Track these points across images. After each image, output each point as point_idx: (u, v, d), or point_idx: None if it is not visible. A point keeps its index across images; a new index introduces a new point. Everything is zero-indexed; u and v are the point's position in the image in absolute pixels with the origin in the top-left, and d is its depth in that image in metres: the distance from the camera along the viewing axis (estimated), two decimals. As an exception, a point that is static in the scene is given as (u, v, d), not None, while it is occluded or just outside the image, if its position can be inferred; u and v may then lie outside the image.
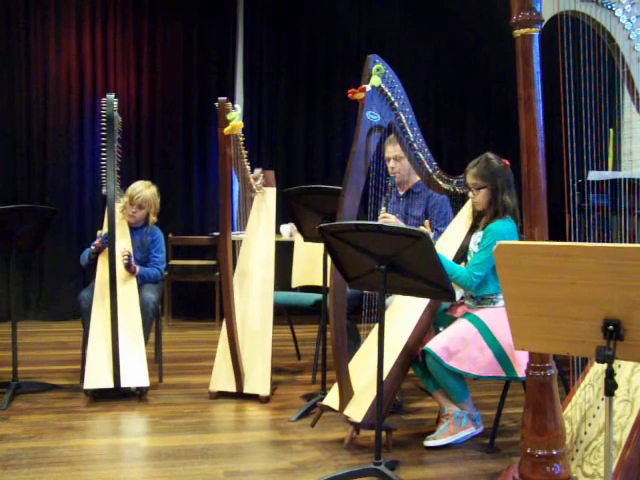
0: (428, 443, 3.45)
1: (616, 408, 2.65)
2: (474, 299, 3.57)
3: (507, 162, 3.60)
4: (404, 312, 3.70)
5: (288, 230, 6.72)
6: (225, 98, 4.01)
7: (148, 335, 4.48)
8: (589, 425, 2.70)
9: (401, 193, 4.30)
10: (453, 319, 3.62)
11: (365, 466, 3.04)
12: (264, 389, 4.19)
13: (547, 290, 1.99)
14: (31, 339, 5.94)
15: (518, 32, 2.45)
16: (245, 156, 4.31)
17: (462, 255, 3.71)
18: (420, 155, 3.73)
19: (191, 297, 7.19)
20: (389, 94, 3.54)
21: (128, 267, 4.44)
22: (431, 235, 3.60)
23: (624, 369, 2.81)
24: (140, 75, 7.09)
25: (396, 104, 3.58)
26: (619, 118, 6.15)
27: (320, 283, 4.25)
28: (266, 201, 4.62)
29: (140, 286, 4.51)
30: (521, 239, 3.33)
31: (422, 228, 3.66)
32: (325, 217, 3.87)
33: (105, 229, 4.40)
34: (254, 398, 4.19)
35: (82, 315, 4.46)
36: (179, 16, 7.14)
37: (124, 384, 4.16)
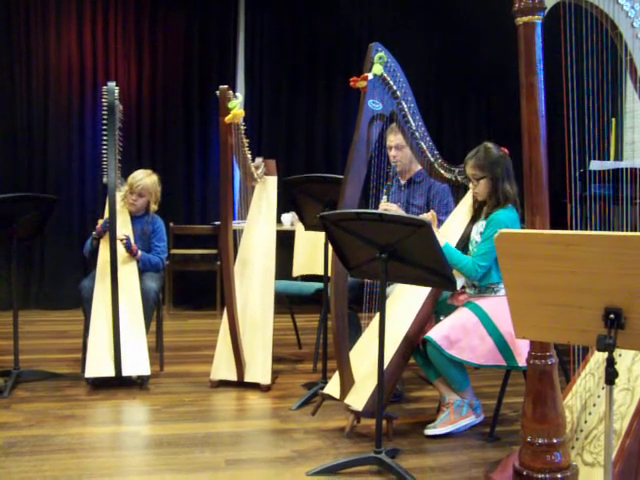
0: (429, 432, 3.46)
1: (616, 397, 2.65)
2: (475, 288, 3.57)
3: (506, 150, 3.59)
4: (405, 301, 3.70)
5: (289, 219, 6.72)
6: (226, 86, 4.01)
7: (149, 324, 4.49)
8: (589, 414, 2.71)
9: (402, 182, 4.30)
10: (454, 308, 3.62)
11: (366, 454, 3.06)
12: (265, 378, 4.20)
13: (548, 278, 1.99)
14: (32, 328, 5.95)
15: (520, 20, 2.44)
16: (246, 145, 4.30)
17: (463, 245, 3.71)
18: (422, 144, 3.72)
19: (192, 286, 7.19)
20: (391, 83, 3.53)
21: (129, 249, 4.44)
22: (435, 225, 3.60)
23: (625, 358, 2.81)
24: (141, 64, 7.08)
25: (398, 93, 3.56)
26: (621, 107, 6.13)
27: (321, 272, 4.26)
28: (267, 190, 4.61)
29: (141, 275, 4.51)
30: (522, 228, 3.32)
31: (425, 215, 3.65)
32: (326, 206, 3.87)
33: (106, 217, 4.40)
34: (255, 387, 4.20)
35: (83, 304, 4.46)
36: (180, 4, 7.12)
37: (125, 373, 4.17)
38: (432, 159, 3.77)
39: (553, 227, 2.44)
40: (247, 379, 4.24)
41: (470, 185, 3.61)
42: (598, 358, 2.86)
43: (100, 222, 4.47)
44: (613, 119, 5.83)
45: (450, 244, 3.50)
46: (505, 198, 3.48)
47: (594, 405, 2.73)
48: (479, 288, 3.55)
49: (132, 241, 4.49)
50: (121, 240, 4.38)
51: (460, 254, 3.49)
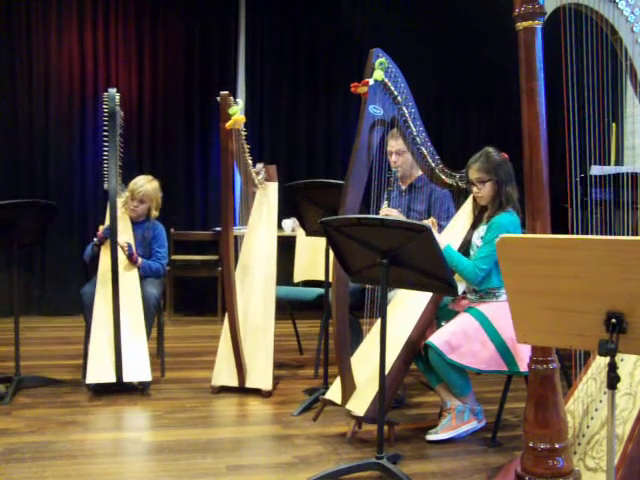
0: (430, 437, 3.45)
1: (618, 402, 2.65)
2: (476, 293, 3.57)
3: (506, 156, 3.61)
4: (406, 306, 3.70)
5: (290, 225, 6.72)
6: (227, 92, 4.01)
7: (150, 330, 4.48)
8: (591, 419, 2.70)
9: (403, 187, 4.29)
10: (455, 313, 3.61)
11: (367, 460, 3.05)
12: (266, 383, 4.20)
13: (550, 283, 1.98)
14: (33, 334, 5.95)
15: (521, 25, 2.44)
16: (247, 150, 4.30)
17: (465, 250, 3.71)
18: (423, 149, 3.73)
19: (193, 292, 7.19)
20: (392, 88, 3.54)
21: (130, 257, 4.45)
22: (435, 230, 3.60)
23: (627, 363, 2.80)
24: (142, 70, 7.09)
25: (399, 98, 3.57)
26: (622, 112, 6.14)
27: (322, 278, 4.25)
28: (268, 195, 4.61)
29: (142, 281, 4.51)
30: (523, 233, 3.32)
31: (425, 222, 3.65)
32: (327, 211, 3.87)
33: (107, 224, 4.40)
34: (256, 392, 4.19)
35: (84, 310, 4.45)
36: (181, 10, 7.13)
37: (126, 379, 4.17)
38: (433, 164, 3.78)
39: (554, 232, 2.43)
40: (248, 385, 4.23)
41: (474, 189, 3.61)
42: (600, 363, 2.86)
43: (101, 228, 4.47)
44: (613, 124, 5.83)
45: (452, 246, 3.50)
46: (507, 201, 3.49)
47: (596, 410, 2.73)
48: (480, 293, 3.55)
49: (133, 249, 4.49)
50: (122, 248, 4.38)
51: (461, 256, 3.50)
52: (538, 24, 2.43)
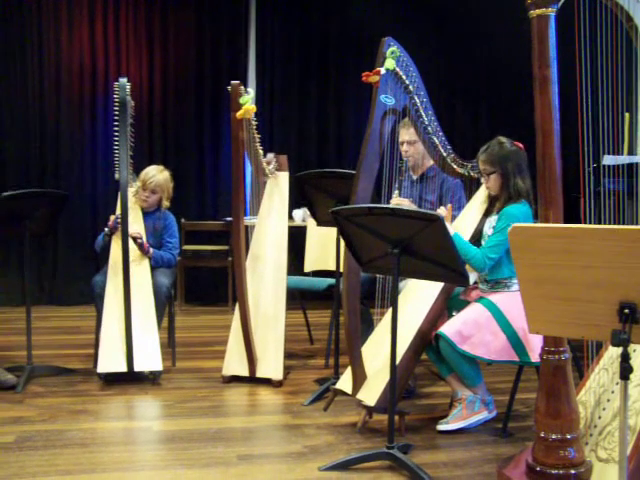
0: (441, 427, 3.45)
1: (631, 393, 2.63)
2: (488, 283, 3.55)
3: (521, 145, 3.55)
4: (417, 296, 3.69)
5: (301, 215, 6.71)
6: (238, 82, 4.00)
7: (161, 319, 4.49)
8: (603, 409, 2.69)
9: (415, 177, 4.28)
10: (467, 303, 3.60)
11: (378, 450, 3.05)
12: (277, 373, 4.20)
13: (562, 273, 1.97)
14: (45, 323, 5.98)
15: (534, 12, 2.42)
16: (258, 140, 4.29)
17: (476, 239, 3.69)
18: (434, 139, 3.70)
19: (204, 282, 7.21)
20: (404, 77, 3.52)
21: (141, 247, 4.45)
22: (449, 219, 3.58)
23: (639, 353, 2.79)
24: (152, 60, 7.08)
25: (410, 87, 3.55)
26: (636, 101, 6.08)
27: (333, 267, 4.25)
28: (279, 185, 4.60)
29: (153, 271, 4.52)
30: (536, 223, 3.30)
31: (441, 209, 3.64)
32: (338, 201, 3.85)
33: (118, 213, 4.40)
34: (267, 382, 4.20)
35: (95, 300, 4.46)
36: (191, 1, 7.11)
37: (137, 368, 4.18)
38: (444, 154, 3.75)
39: (567, 222, 2.42)
40: (259, 375, 4.24)
41: (482, 180, 3.60)
42: (612, 353, 2.85)
43: (112, 218, 4.47)
44: (627, 113, 5.78)
45: (460, 235, 3.47)
46: (517, 194, 3.45)
47: (608, 401, 2.71)
48: (491, 283, 3.54)
49: (144, 239, 4.50)
50: (134, 239, 4.38)
51: (469, 245, 3.47)
52: (551, 11, 2.41)
